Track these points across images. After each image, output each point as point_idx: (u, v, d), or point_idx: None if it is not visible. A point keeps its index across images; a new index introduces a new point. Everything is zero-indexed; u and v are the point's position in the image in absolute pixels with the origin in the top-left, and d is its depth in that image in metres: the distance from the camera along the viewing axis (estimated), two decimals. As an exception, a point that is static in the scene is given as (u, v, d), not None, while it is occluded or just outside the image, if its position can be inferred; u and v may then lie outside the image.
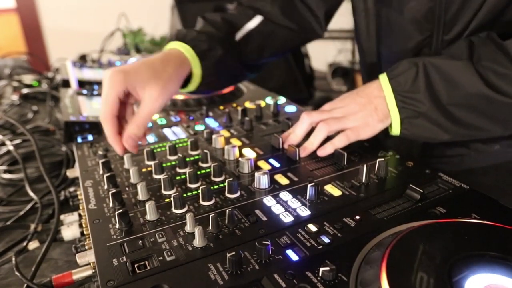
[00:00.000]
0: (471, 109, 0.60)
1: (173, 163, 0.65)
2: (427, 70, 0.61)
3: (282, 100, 0.94)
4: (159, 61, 0.64)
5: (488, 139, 0.74)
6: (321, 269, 0.39)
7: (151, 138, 0.76)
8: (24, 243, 0.60)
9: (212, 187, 0.56)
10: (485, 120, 0.60)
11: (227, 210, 0.48)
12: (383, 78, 0.65)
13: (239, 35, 0.79)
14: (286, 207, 0.52)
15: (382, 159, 0.58)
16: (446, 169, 0.60)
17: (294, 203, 0.52)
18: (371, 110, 0.65)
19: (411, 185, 0.52)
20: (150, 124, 0.72)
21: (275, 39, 0.83)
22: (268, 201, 0.53)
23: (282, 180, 0.58)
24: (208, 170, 0.62)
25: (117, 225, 0.49)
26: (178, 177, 0.61)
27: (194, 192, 0.56)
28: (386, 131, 0.67)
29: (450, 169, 0.67)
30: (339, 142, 0.65)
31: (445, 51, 0.65)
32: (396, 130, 0.64)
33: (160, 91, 0.60)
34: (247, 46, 0.80)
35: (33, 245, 0.60)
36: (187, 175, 0.58)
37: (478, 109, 0.60)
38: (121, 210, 0.49)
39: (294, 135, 0.68)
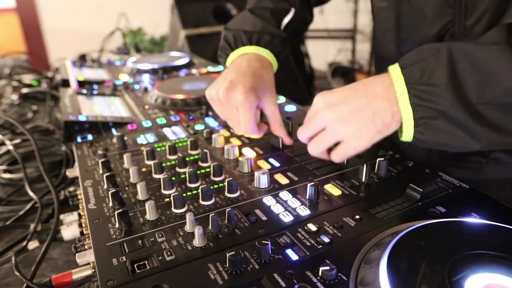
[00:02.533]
0: (510, 109, 0.48)
1: (173, 162, 0.65)
2: (453, 57, 0.48)
3: (282, 99, 0.94)
4: (262, 71, 0.70)
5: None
6: (321, 268, 0.39)
7: (150, 138, 0.76)
8: (24, 243, 0.60)
9: (212, 187, 0.56)
10: None
11: (227, 210, 0.48)
12: (394, 68, 0.52)
13: (281, 27, 0.82)
14: (286, 207, 0.52)
15: (382, 159, 0.58)
16: (459, 176, 0.55)
17: (294, 203, 0.52)
18: (367, 118, 0.52)
19: (411, 184, 0.52)
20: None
21: (300, 29, 0.87)
22: (268, 200, 0.53)
23: (282, 179, 0.58)
24: (208, 169, 0.62)
25: (117, 225, 0.49)
26: (178, 177, 0.61)
27: (194, 192, 0.56)
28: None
29: (464, 177, 0.57)
30: (335, 158, 0.58)
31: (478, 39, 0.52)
32: (408, 135, 0.51)
33: (273, 95, 0.69)
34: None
35: (32, 244, 0.60)
36: (187, 175, 0.58)
37: None
38: (120, 210, 0.49)
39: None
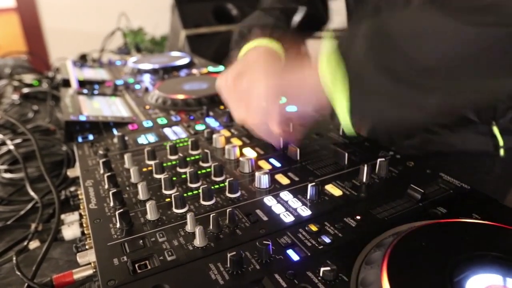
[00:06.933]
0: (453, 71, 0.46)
1: (174, 162, 0.65)
2: (374, 30, 0.49)
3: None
4: (273, 62, 0.69)
5: None
6: (322, 269, 0.39)
7: (151, 138, 0.76)
8: (25, 243, 0.60)
9: (212, 187, 0.56)
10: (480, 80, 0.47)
11: (227, 210, 0.48)
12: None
13: (292, 25, 0.85)
14: (286, 207, 0.52)
15: (383, 159, 0.58)
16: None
17: (294, 203, 0.52)
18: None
19: (412, 185, 0.52)
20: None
21: (313, 27, 0.91)
22: (269, 201, 0.53)
23: (282, 179, 0.58)
24: (208, 169, 0.62)
25: (118, 225, 0.49)
26: (178, 177, 0.61)
27: (195, 192, 0.56)
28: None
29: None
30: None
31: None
32: (343, 117, 0.52)
33: None
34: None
35: (33, 244, 0.60)
36: (188, 175, 0.58)
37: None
38: (121, 210, 0.49)
39: None
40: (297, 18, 0.85)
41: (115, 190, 0.54)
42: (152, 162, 0.63)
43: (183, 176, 0.61)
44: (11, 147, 0.87)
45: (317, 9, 0.90)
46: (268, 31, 0.76)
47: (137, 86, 1.11)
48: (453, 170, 0.60)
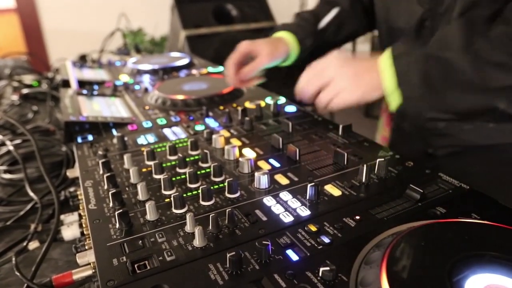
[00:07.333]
0: (464, 90, 0.66)
1: (173, 163, 0.65)
2: (425, 57, 0.66)
3: (282, 100, 0.94)
4: (275, 41, 0.96)
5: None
6: (321, 269, 0.39)
7: (151, 138, 0.76)
8: (24, 243, 0.60)
9: (212, 187, 0.56)
10: (478, 96, 0.67)
11: (227, 210, 0.48)
12: (387, 57, 0.70)
13: (322, 24, 1.01)
14: (286, 207, 0.52)
15: (382, 159, 0.58)
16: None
17: (294, 203, 0.52)
18: (363, 81, 0.71)
19: (411, 185, 0.52)
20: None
21: (346, 28, 1.04)
22: (268, 201, 0.53)
23: (282, 180, 0.58)
24: (208, 170, 0.62)
25: (117, 225, 0.49)
26: (178, 177, 0.61)
27: (194, 192, 0.56)
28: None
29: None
30: (332, 105, 0.74)
31: (438, 36, 0.70)
32: (394, 105, 0.71)
33: (271, 52, 0.91)
34: (325, 32, 1.02)
35: (33, 245, 0.60)
36: (187, 175, 0.58)
37: (470, 90, 0.66)
38: (121, 210, 0.49)
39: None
40: (326, 19, 1.01)
41: (114, 191, 0.54)
42: (151, 163, 0.63)
43: (183, 176, 0.61)
44: (11, 148, 0.87)
45: (352, 15, 1.03)
46: (288, 26, 1.00)
47: (136, 87, 1.11)
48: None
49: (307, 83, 0.77)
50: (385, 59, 0.70)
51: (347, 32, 1.05)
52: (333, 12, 1.00)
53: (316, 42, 1.01)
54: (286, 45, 0.95)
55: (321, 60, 0.76)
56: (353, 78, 0.71)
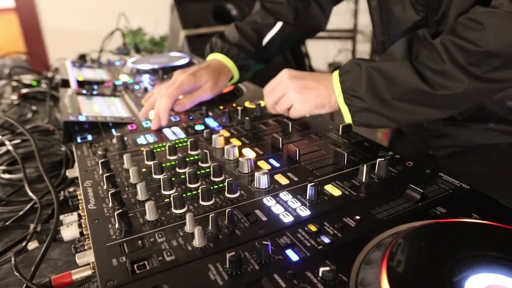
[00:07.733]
0: (412, 101, 0.68)
1: (173, 163, 0.65)
2: (369, 71, 0.69)
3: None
4: (217, 70, 0.92)
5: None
6: (321, 269, 0.39)
7: (150, 138, 0.76)
8: (24, 243, 0.60)
9: (211, 187, 0.56)
10: (425, 108, 0.69)
11: (226, 210, 0.48)
12: (336, 75, 0.73)
13: (265, 41, 0.98)
14: (286, 207, 0.52)
15: (382, 159, 0.58)
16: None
17: (294, 203, 0.52)
18: (312, 95, 0.75)
19: (411, 185, 0.52)
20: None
21: (292, 39, 1.02)
22: (268, 201, 0.53)
23: (282, 180, 0.58)
24: (208, 170, 0.62)
25: (117, 225, 0.49)
26: (177, 177, 0.61)
27: (194, 192, 0.56)
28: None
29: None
30: (290, 116, 0.80)
31: (387, 50, 0.72)
32: (349, 120, 0.74)
33: (215, 84, 0.90)
34: (269, 48, 0.99)
35: (32, 245, 0.60)
36: (187, 175, 0.58)
37: (418, 100, 0.68)
38: (120, 210, 0.49)
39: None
40: (269, 35, 0.97)
41: (114, 191, 0.54)
42: (151, 163, 0.62)
43: (182, 176, 0.60)
44: (10, 148, 0.87)
45: (299, 24, 0.99)
46: (226, 48, 0.94)
47: (136, 87, 1.11)
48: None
49: (266, 97, 0.82)
50: (335, 76, 0.74)
51: (293, 42, 1.05)
52: (276, 28, 0.97)
53: (260, 59, 1.00)
54: (229, 72, 0.93)
55: (277, 76, 0.81)
56: (303, 91, 0.76)
